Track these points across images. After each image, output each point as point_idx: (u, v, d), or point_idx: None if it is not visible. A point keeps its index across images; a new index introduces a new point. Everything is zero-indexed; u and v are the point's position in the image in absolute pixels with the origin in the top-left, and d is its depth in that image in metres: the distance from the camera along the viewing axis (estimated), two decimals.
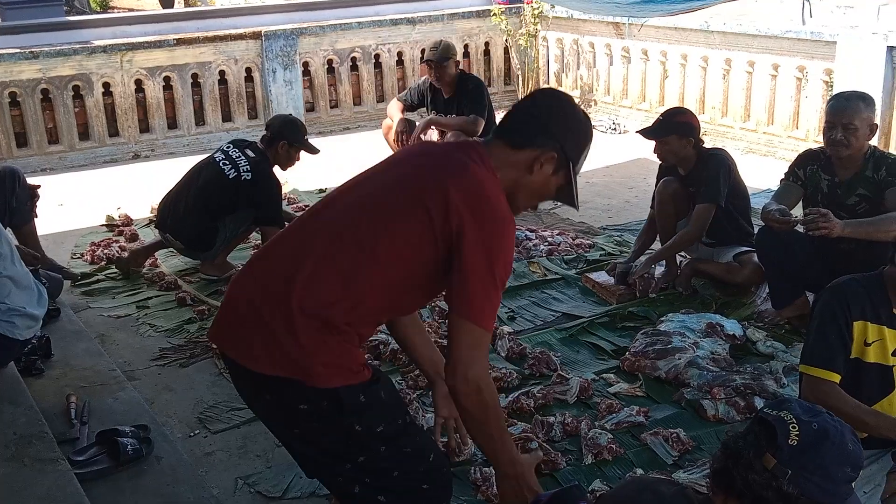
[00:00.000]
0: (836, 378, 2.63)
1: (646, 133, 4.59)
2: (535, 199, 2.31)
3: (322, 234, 2.18)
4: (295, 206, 6.50)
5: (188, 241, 5.00)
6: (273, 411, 2.22)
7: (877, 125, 3.78)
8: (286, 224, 3.66)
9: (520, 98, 8.42)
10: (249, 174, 4.86)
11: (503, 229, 2.11)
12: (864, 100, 3.78)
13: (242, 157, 4.90)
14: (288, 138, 4.98)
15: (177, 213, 4.96)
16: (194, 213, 4.89)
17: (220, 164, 4.89)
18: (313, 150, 5.22)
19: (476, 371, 2.08)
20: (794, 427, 1.67)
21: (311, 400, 2.10)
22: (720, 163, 4.51)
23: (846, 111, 3.73)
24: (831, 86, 6.75)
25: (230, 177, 4.83)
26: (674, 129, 4.50)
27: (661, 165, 4.80)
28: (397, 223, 2.12)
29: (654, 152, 4.66)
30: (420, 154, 2.37)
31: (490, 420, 2.16)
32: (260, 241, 5.34)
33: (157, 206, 5.44)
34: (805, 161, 4.02)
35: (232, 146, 5.02)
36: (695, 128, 4.56)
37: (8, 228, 4.26)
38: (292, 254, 2.17)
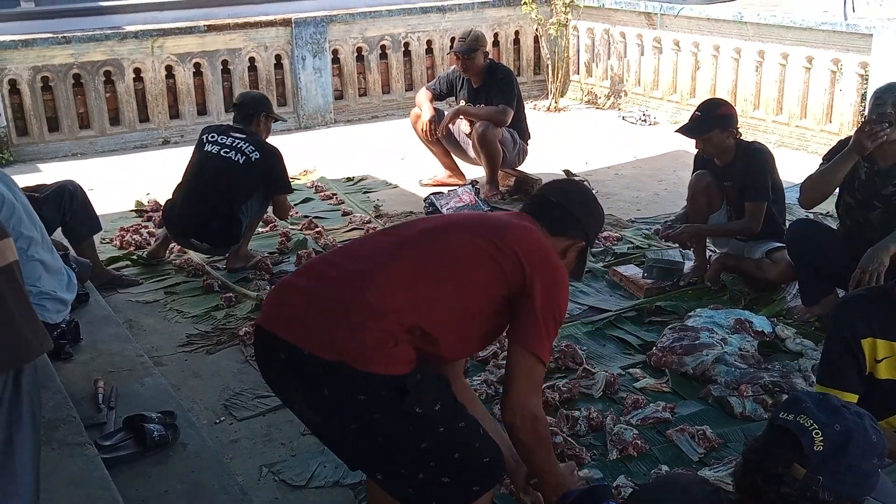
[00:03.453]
0: (853, 398, 2.59)
1: (687, 132, 4.50)
2: None
3: (405, 248, 2.37)
4: (322, 193, 6.51)
5: (217, 241, 4.96)
6: (329, 408, 2.23)
7: None
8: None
9: (549, 88, 8.33)
10: (256, 153, 4.84)
11: (563, 278, 2.43)
12: None
13: (238, 141, 4.86)
14: (266, 110, 5.07)
15: (197, 217, 4.85)
16: (216, 211, 4.82)
17: (223, 155, 4.83)
18: (281, 118, 5.51)
19: (533, 405, 2.30)
20: (817, 433, 1.64)
21: (370, 389, 2.16)
22: (763, 159, 4.46)
23: (888, 101, 3.70)
24: (866, 79, 6.64)
25: (241, 162, 4.80)
26: (716, 123, 4.42)
27: (696, 157, 4.72)
28: (474, 270, 2.34)
29: (696, 147, 4.59)
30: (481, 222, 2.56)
31: (543, 450, 2.39)
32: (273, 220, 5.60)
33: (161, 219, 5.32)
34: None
35: (215, 134, 4.95)
36: (734, 118, 4.49)
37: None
38: (373, 256, 2.34)
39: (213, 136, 4.95)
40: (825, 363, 2.70)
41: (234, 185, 4.82)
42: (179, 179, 5.09)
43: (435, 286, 2.28)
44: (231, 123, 5.05)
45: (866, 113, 3.90)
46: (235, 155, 4.82)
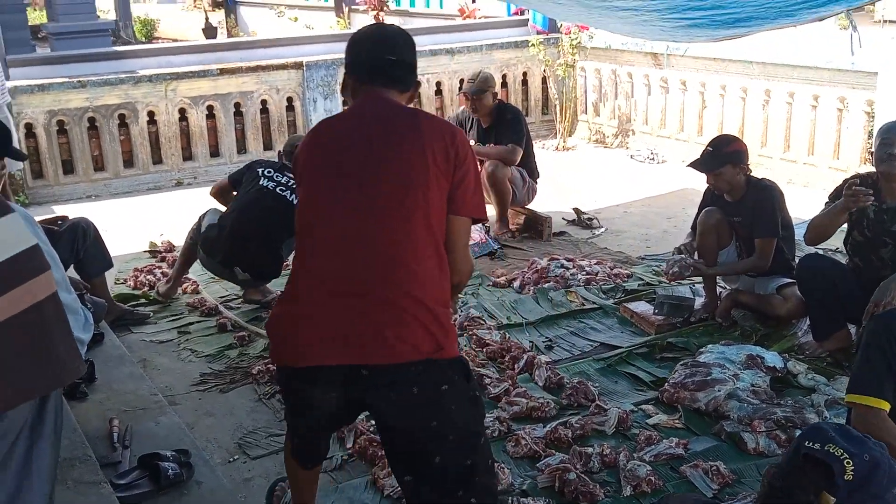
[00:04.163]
0: (887, 406, 2.58)
1: (699, 166, 4.55)
2: None
3: (378, 226, 2.34)
4: None
5: (260, 273, 5.05)
6: (413, 409, 2.29)
7: None
8: None
9: (557, 128, 8.37)
10: None
11: (462, 134, 2.52)
12: None
13: (293, 181, 4.93)
14: None
15: (245, 247, 4.91)
16: (263, 244, 4.92)
17: (279, 192, 4.94)
18: None
19: (470, 258, 2.54)
20: (848, 463, 1.67)
21: (449, 376, 2.30)
22: (773, 196, 4.50)
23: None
24: (873, 117, 6.69)
25: (294, 201, 4.88)
26: (727, 159, 4.47)
27: (705, 192, 4.76)
28: (440, 200, 2.39)
29: (707, 183, 4.63)
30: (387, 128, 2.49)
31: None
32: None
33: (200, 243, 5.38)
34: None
35: (271, 170, 5.06)
36: (745, 154, 4.54)
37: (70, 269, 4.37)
38: (366, 247, 2.33)
39: (269, 172, 5.07)
40: (860, 372, 2.67)
41: (283, 223, 4.85)
42: (226, 209, 5.19)
43: (425, 249, 2.35)
44: (284, 162, 5.12)
45: (873, 149, 3.94)
46: (290, 195, 4.92)
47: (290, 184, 4.95)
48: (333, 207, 2.40)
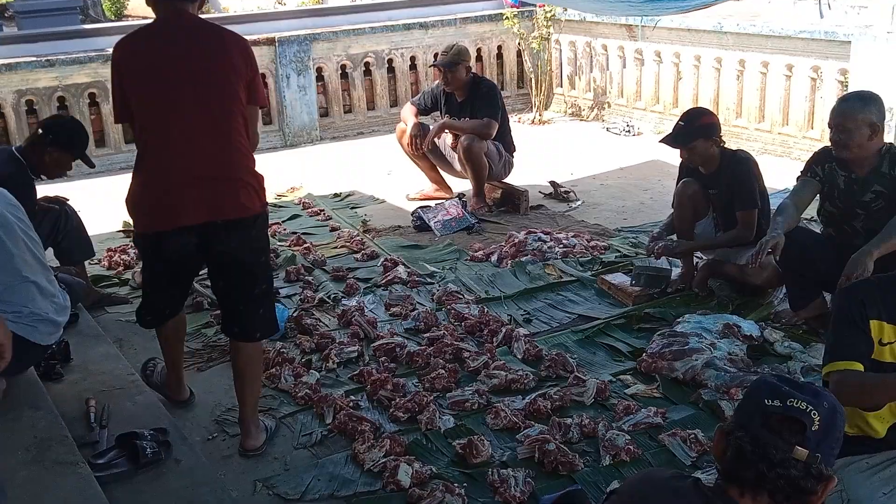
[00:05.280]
0: (860, 366, 2.60)
1: (671, 142, 4.55)
2: None
3: (211, 120, 3.10)
4: (310, 210, 6.53)
5: None
6: (251, 246, 3.22)
7: (878, 125, 3.71)
8: None
9: (533, 101, 8.42)
10: None
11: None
12: (862, 100, 3.76)
13: None
14: None
15: None
16: None
17: None
18: None
19: (258, 137, 3.41)
20: (814, 414, 1.70)
21: (265, 221, 3.29)
22: (748, 167, 4.51)
23: (839, 113, 3.77)
24: (846, 86, 6.71)
25: None
26: (699, 132, 4.47)
27: (680, 165, 4.77)
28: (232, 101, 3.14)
29: (681, 157, 4.63)
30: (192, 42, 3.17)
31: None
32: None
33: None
34: (822, 158, 4.01)
35: None
36: (717, 126, 4.54)
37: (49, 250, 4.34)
38: (194, 143, 3.09)
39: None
40: (832, 341, 2.67)
41: None
42: None
43: (242, 133, 3.17)
44: None
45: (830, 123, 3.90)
46: None
47: None
48: (173, 108, 3.08)
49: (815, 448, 1.69)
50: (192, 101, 3.07)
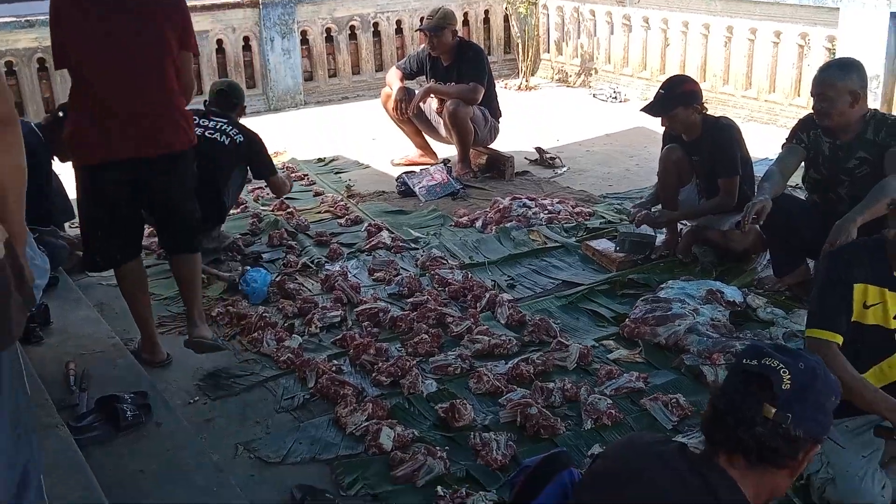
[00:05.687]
0: (839, 339, 2.61)
1: (651, 110, 4.54)
2: None
3: (146, 64, 3.37)
4: (294, 174, 6.47)
5: (205, 221, 4.93)
6: (181, 179, 3.57)
7: (859, 92, 3.67)
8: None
9: (520, 67, 8.35)
10: (240, 136, 4.86)
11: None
12: (842, 68, 3.74)
13: (221, 124, 4.86)
14: (243, 101, 5.17)
15: None
16: (203, 192, 4.75)
17: (208, 136, 4.79)
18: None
19: (194, 81, 3.68)
20: (784, 372, 1.69)
21: (192, 156, 3.60)
22: (730, 134, 4.49)
23: (819, 82, 3.74)
24: (833, 53, 6.69)
25: (227, 144, 4.80)
26: (679, 100, 4.44)
27: (664, 133, 4.76)
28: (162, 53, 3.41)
29: (662, 125, 4.61)
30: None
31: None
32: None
33: None
34: (807, 125, 3.99)
35: (196, 117, 4.86)
36: (698, 94, 4.52)
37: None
38: (127, 83, 3.34)
39: (194, 120, 4.90)
40: (816, 308, 2.71)
41: (219, 167, 4.81)
42: None
43: (173, 76, 3.44)
44: (210, 108, 5.01)
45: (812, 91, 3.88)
46: (221, 136, 4.81)
47: (218, 127, 4.84)
48: (105, 48, 3.31)
49: (786, 408, 1.68)
50: (125, 42, 3.32)
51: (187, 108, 3.62)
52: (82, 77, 3.38)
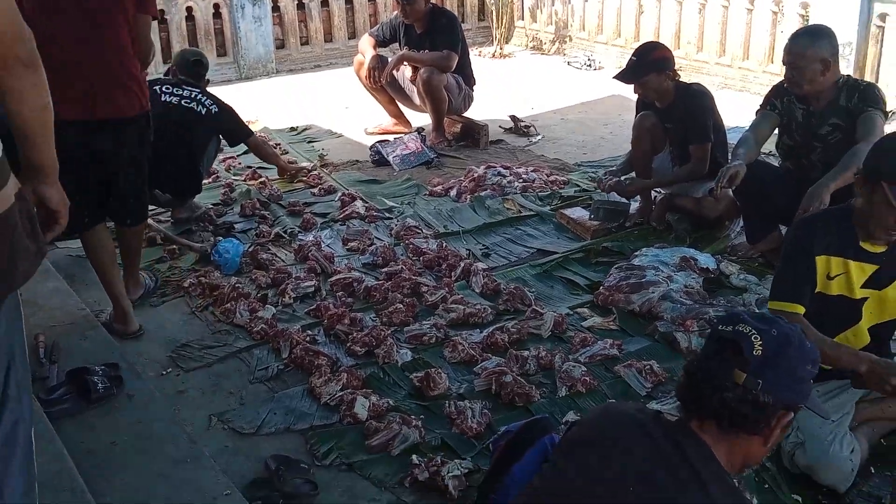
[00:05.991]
0: (801, 310, 2.65)
1: (623, 77, 4.53)
2: None
3: (101, 30, 3.36)
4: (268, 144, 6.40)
5: (179, 191, 4.91)
6: (132, 144, 3.52)
7: (829, 60, 3.67)
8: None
9: (494, 34, 8.29)
10: (214, 106, 4.90)
11: None
12: (811, 36, 3.74)
13: (194, 93, 4.87)
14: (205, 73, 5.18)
15: (161, 167, 4.53)
16: (180, 161, 4.77)
17: (185, 105, 4.79)
18: None
19: (151, 44, 3.63)
20: (756, 338, 1.70)
21: (147, 122, 3.57)
22: (703, 101, 4.49)
23: (790, 51, 3.74)
24: (807, 20, 6.69)
25: (203, 113, 4.82)
26: (651, 67, 4.44)
27: (637, 100, 4.75)
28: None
29: (635, 92, 4.60)
30: None
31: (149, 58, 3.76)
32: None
33: None
34: (781, 91, 3.99)
35: (169, 87, 4.88)
36: (670, 60, 4.51)
37: None
38: (78, 42, 3.33)
39: (167, 88, 4.87)
40: (779, 280, 2.74)
41: (196, 136, 4.82)
42: None
43: (128, 41, 3.44)
44: (179, 77, 4.98)
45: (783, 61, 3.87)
46: (198, 106, 4.82)
47: (193, 96, 4.85)
48: (60, 9, 3.30)
49: (757, 374, 1.69)
50: (77, 5, 3.33)
51: (156, 77, 3.57)
52: (35, 32, 3.32)
